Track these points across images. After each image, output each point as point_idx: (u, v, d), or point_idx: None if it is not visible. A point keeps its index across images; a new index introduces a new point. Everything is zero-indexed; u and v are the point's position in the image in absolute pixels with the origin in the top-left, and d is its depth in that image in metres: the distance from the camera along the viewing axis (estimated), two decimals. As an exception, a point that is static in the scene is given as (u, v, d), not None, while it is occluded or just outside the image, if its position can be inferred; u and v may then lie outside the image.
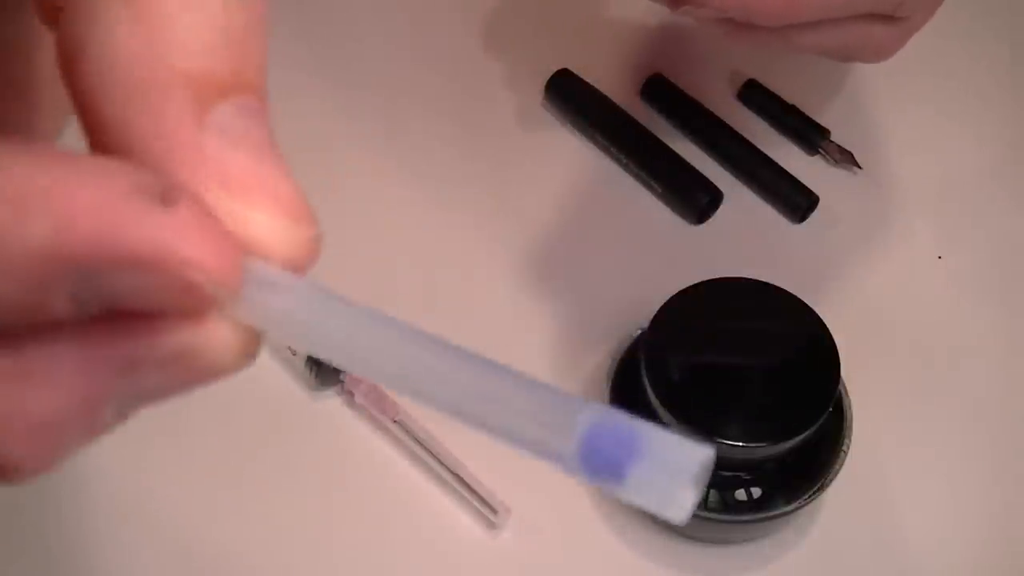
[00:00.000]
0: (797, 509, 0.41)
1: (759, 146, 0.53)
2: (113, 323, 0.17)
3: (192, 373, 0.18)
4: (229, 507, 0.45)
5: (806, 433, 0.39)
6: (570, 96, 0.54)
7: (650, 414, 0.40)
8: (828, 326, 0.41)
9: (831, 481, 0.41)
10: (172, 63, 0.17)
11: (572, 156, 0.53)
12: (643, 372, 0.40)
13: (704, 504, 0.41)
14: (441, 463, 0.44)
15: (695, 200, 0.51)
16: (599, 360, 0.47)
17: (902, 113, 0.54)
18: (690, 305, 0.41)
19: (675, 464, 0.16)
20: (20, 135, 0.23)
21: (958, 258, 0.50)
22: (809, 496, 0.41)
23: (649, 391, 0.40)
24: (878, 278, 0.50)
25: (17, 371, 0.17)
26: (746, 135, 0.53)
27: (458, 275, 0.50)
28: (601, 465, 0.16)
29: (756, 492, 0.41)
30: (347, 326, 0.18)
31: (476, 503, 0.44)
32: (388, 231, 0.52)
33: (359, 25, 0.58)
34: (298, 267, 0.18)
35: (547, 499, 0.44)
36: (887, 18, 0.44)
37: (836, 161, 0.52)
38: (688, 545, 0.44)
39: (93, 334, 0.17)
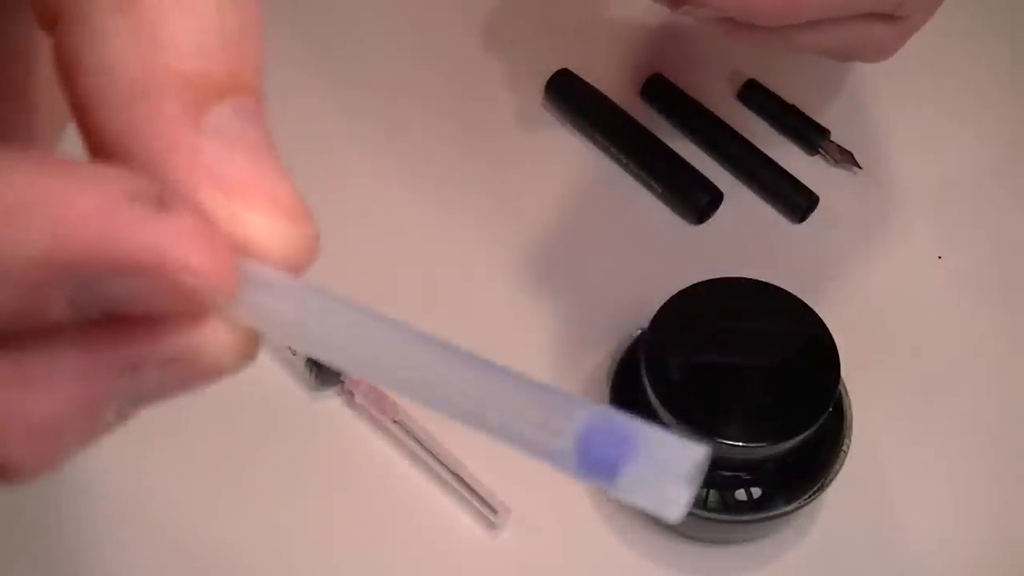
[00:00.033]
0: (797, 509, 0.41)
1: (759, 146, 0.53)
2: (113, 327, 0.17)
3: (192, 375, 0.18)
4: (229, 507, 0.45)
5: (806, 433, 0.39)
6: (570, 96, 0.54)
7: (650, 414, 0.40)
8: (828, 326, 0.41)
9: (831, 481, 0.41)
10: (167, 66, 0.17)
11: (572, 156, 0.53)
12: (643, 372, 0.40)
13: (704, 504, 0.41)
14: (441, 463, 0.44)
15: (695, 200, 0.51)
16: (599, 360, 0.47)
17: (902, 113, 0.54)
18: (690, 305, 0.41)
19: (669, 463, 0.16)
20: (20, 136, 0.23)
21: (958, 258, 0.50)
22: (809, 496, 0.41)
23: (649, 391, 0.40)
24: (878, 278, 0.50)
25: (18, 375, 0.17)
26: (746, 135, 0.53)
27: (458, 275, 0.50)
28: (595, 464, 0.16)
29: (756, 492, 0.41)
30: (343, 327, 0.18)
31: (476, 503, 0.44)
32: (388, 231, 0.52)
33: (359, 25, 0.58)
34: (296, 268, 0.18)
35: (547, 499, 0.44)
36: (887, 17, 0.44)
37: (836, 161, 0.52)
38: (688, 545, 0.44)
39: (93, 338, 0.17)
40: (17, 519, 0.44)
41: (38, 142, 0.23)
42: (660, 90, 0.55)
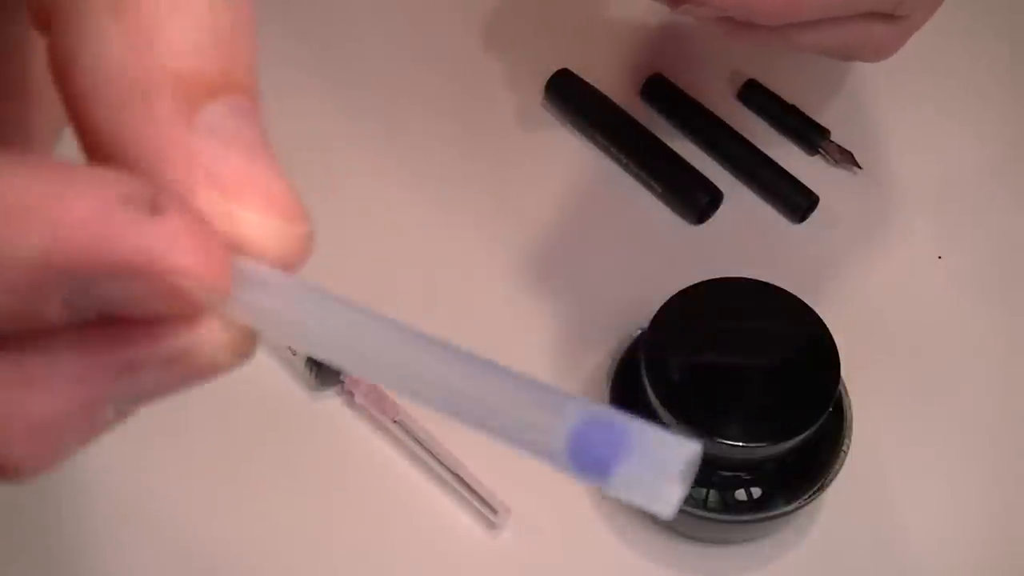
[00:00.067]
0: (797, 509, 0.41)
1: (759, 146, 0.53)
2: (111, 328, 0.17)
3: (189, 372, 0.18)
4: (229, 507, 0.45)
5: (806, 433, 0.39)
6: (570, 96, 0.54)
7: (650, 414, 0.40)
8: (828, 326, 0.41)
9: (831, 481, 0.41)
10: (160, 65, 0.17)
11: (572, 156, 0.53)
12: (643, 372, 0.40)
13: (704, 504, 0.41)
14: (441, 463, 0.44)
15: (695, 200, 0.51)
16: (599, 360, 0.47)
17: (902, 113, 0.54)
18: (690, 305, 0.41)
19: (661, 461, 0.16)
20: (18, 137, 0.23)
21: (958, 258, 0.50)
22: (809, 496, 0.41)
23: (649, 391, 0.40)
24: (878, 278, 0.50)
25: (18, 376, 0.17)
26: (746, 135, 0.53)
27: (458, 275, 0.50)
28: (588, 462, 0.16)
29: (756, 492, 0.41)
30: (337, 323, 0.18)
31: (476, 503, 0.44)
32: (388, 231, 0.52)
33: (359, 25, 0.58)
34: (290, 265, 0.18)
35: (547, 499, 0.44)
36: (887, 17, 0.44)
37: (836, 161, 0.52)
38: (688, 545, 0.44)
39: (91, 338, 0.17)
40: (17, 519, 0.44)
41: (36, 143, 0.23)
42: (660, 90, 0.55)
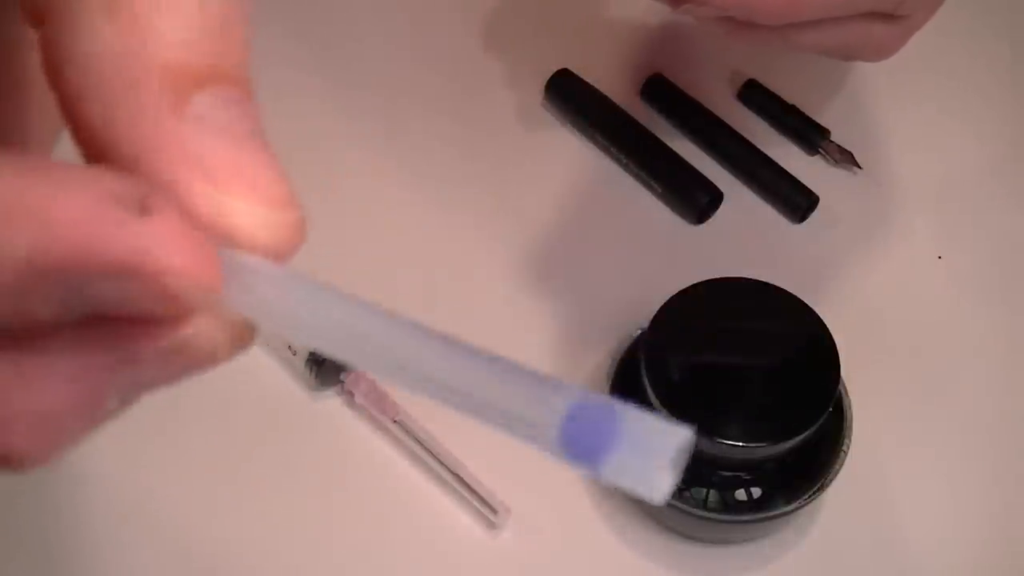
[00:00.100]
0: (797, 509, 0.41)
1: (759, 146, 0.53)
2: (107, 325, 0.18)
3: (187, 365, 0.18)
4: (229, 507, 0.45)
5: (806, 433, 0.39)
6: (570, 96, 0.54)
7: (650, 414, 0.40)
8: (828, 326, 0.41)
9: (831, 481, 0.41)
10: (150, 57, 0.18)
11: (572, 156, 0.53)
12: (643, 372, 0.40)
13: (704, 504, 0.41)
14: (441, 463, 0.44)
15: (695, 200, 0.51)
16: (599, 360, 0.47)
17: (902, 112, 0.54)
18: (690, 305, 0.41)
19: (653, 447, 0.16)
20: (16, 136, 0.23)
21: (958, 258, 0.50)
22: (809, 496, 0.41)
23: (649, 391, 0.40)
24: (878, 278, 0.50)
25: (16, 375, 0.17)
26: (746, 135, 0.53)
27: (458, 275, 0.50)
28: (580, 450, 0.17)
29: (756, 492, 0.41)
30: (327, 312, 0.18)
31: (476, 503, 0.44)
32: (388, 231, 0.52)
33: (359, 25, 0.58)
34: (282, 252, 0.18)
35: (547, 499, 0.44)
36: (888, 17, 0.44)
37: (836, 161, 0.52)
38: (688, 545, 0.44)
39: (89, 336, 0.18)
40: (16, 518, 0.44)
41: (35, 143, 0.23)
42: (660, 90, 0.55)
